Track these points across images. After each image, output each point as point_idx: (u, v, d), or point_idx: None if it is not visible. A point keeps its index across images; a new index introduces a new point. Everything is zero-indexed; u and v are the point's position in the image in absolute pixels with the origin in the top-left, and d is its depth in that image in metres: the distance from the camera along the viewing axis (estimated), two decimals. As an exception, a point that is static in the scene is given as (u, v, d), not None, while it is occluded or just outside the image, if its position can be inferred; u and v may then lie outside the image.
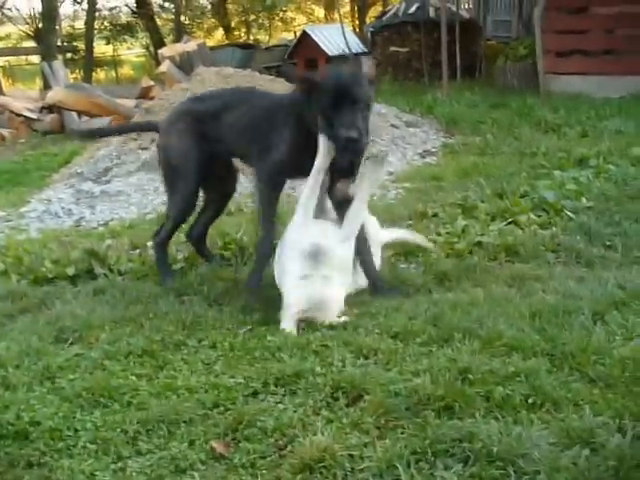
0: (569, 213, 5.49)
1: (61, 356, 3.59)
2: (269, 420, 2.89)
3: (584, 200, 5.74)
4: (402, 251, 4.93)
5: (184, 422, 2.95)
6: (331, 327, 3.74)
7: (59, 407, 3.07)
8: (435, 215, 5.62)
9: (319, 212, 4.20)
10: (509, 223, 5.36)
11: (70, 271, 4.93)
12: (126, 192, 7.24)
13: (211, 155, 4.55)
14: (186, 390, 3.20)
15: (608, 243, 4.92)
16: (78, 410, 3.05)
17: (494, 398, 2.93)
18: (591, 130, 8.71)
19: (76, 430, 2.91)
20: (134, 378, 3.34)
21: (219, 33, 26.69)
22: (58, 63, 14.95)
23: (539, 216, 5.49)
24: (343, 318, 3.84)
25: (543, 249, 4.87)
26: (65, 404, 3.09)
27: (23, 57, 25.43)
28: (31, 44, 23.36)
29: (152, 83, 13.90)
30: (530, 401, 2.93)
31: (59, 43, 21.03)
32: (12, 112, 12.86)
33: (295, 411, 2.95)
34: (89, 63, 21.58)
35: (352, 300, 4.10)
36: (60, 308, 4.28)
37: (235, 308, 4.12)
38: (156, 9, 23.80)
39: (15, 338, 3.86)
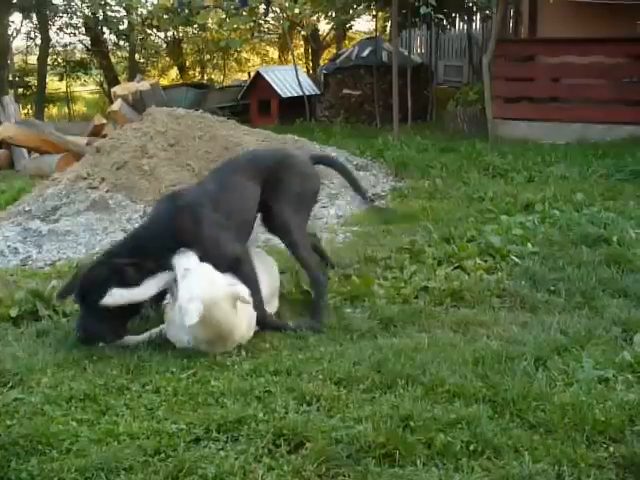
0: (515, 258, 5.57)
1: (-1, 401, 3.52)
2: (210, 467, 2.87)
3: (529, 245, 5.83)
4: (348, 295, 4.95)
5: (124, 470, 2.92)
6: (275, 373, 3.73)
7: (-7, 456, 3.00)
8: (382, 259, 5.65)
9: None
10: (455, 268, 5.42)
11: (13, 312, 4.83)
12: (74, 232, 7.15)
13: None
14: (127, 436, 3.16)
15: (552, 288, 5.00)
16: (14, 458, 2.99)
17: (435, 445, 2.96)
18: (537, 175, 8.85)
19: (10, 480, 2.85)
20: (75, 424, 3.29)
21: (173, 72, 26.72)
22: (9, 98, 14.78)
23: (485, 261, 5.56)
24: None
25: (488, 294, 4.93)
26: (0, 452, 3.03)
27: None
28: (-19, 78, 23.13)
29: (104, 121, 13.80)
30: (471, 448, 2.96)
31: (10, 78, 20.86)
32: (-40, 147, 12.68)
33: (236, 458, 2.94)
34: (41, 99, 21.38)
35: (296, 345, 4.13)
36: (0, 350, 4.20)
37: (179, 352, 4.09)
38: (111, 47, 23.73)
39: (-49, 382, 3.77)
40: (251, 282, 4.31)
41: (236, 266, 4.31)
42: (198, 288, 3.94)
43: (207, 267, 4.11)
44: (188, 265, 4.07)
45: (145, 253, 4.21)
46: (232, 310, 3.98)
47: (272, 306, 4.63)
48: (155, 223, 4.44)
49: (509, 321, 4.45)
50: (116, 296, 4.15)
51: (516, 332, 4.22)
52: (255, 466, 2.89)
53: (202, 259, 4.16)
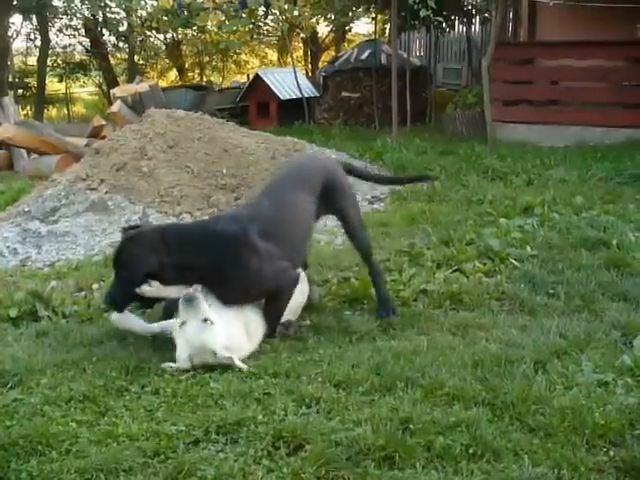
0: (514, 261, 5.57)
1: (-1, 401, 3.52)
2: (209, 469, 2.88)
3: (529, 248, 5.82)
4: (348, 298, 4.95)
5: (123, 471, 2.92)
6: (274, 375, 3.73)
7: (-7, 456, 3.00)
8: (381, 262, 5.64)
9: None
10: (454, 271, 5.41)
11: (13, 312, 4.85)
12: (73, 233, 7.16)
13: None
14: (127, 438, 3.17)
15: (551, 291, 4.99)
16: (13, 459, 2.99)
17: (435, 448, 2.96)
18: (536, 179, 8.85)
19: (9, 481, 2.85)
20: (74, 425, 3.29)
21: (173, 74, 26.73)
22: (9, 99, 14.78)
23: (484, 264, 5.55)
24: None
25: (487, 297, 4.93)
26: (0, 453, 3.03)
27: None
28: (-19, 79, 23.09)
29: (104, 122, 13.80)
30: (471, 451, 2.96)
31: (10, 79, 20.84)
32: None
33: (236, 460, 2.95)
34: (40, 100, 21.40)
35: (295, 347, 4.14)
36: (0, 351, 4.20)
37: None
38: (110, 48, 23.73)
39: (-49, 382, 3.77)
40: (275, 314, 4.36)
41: (274, 296, 4.33)
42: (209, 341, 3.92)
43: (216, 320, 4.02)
44: (207, 315, 3.96)
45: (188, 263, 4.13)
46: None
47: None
48: (205, 238, 4.23)
49: (508, 324, 4.45)
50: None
51: (515, 335, 4.22)
52: (254, 468, 2.90)
53: (243, 290, 4.22)
